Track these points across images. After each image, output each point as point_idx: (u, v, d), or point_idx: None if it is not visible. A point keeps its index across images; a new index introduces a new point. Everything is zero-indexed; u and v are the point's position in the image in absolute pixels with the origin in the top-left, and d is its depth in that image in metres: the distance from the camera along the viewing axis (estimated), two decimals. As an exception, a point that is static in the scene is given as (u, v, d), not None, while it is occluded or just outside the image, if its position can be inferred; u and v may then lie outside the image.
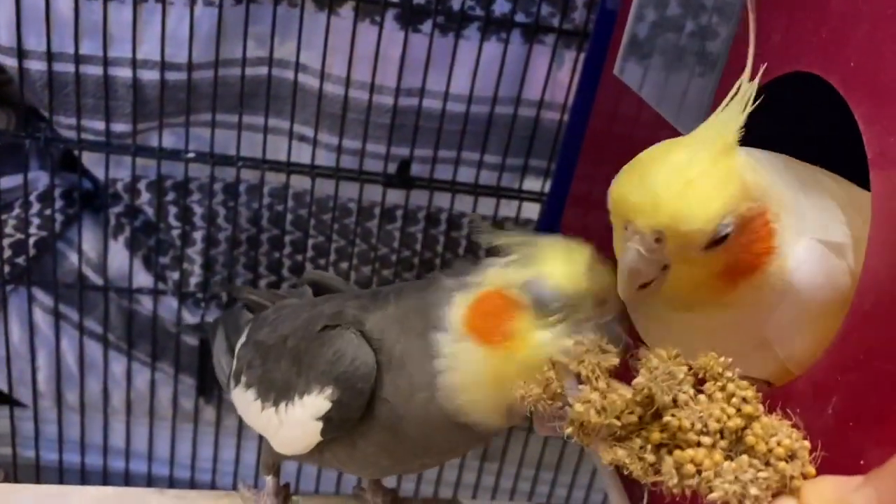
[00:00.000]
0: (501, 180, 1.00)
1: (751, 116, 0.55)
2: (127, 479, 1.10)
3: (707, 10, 0.64)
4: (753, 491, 0.31)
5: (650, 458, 0.34)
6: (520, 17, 0.92)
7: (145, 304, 1.03)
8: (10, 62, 0.87)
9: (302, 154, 0.97)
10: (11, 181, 0.96)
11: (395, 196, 1.00)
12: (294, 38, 0.90)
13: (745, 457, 0.33)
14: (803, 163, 0.47)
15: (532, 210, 1.02)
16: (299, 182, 0.98)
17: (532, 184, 1.02)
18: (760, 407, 0.34)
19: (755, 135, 0.49)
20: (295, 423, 0.53)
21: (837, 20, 0.44)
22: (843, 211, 0.44)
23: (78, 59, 0.87)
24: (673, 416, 0.34)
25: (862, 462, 0.35)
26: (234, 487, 0.94)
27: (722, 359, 0.36)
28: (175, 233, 1.00)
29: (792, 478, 0.32)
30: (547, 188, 1.00)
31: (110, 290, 1.00)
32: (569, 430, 0.37)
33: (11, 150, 0.95)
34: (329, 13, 0.89)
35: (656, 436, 0.34)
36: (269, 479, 0.61)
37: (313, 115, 0.94)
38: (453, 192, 1.00)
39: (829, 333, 0.42)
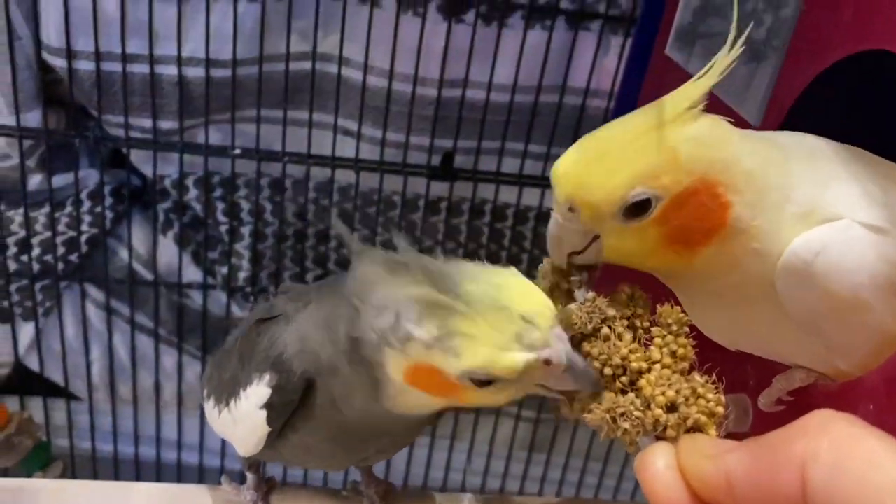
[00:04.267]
0: (546, 170, 0.99)
1: (818, 98, 0.53)
2: (179, 470, 1.12)
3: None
4: (625, 424, 0.36)
5: None
6: (565, 4, 0.90)
7: (195, 298, 1.05)
8: (60, 63, 0.89)
9: (346, 148, 0.96)
10: (63, 179, 0.97)
11: (439, 188, 0.99)
12: (337, 32, 0.90)
13: (631, 395, 0.37)
14: (853, 148, 0.45)
15: (578, 199, 1.01)
16: (344, 176, 0.98)
17: (578, 173, 1.00)
18: (684, 364, 0.38)
19: (822, 118, 0.47)
20: (244, 417, 0.53)
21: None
22: None
23: (125, 58, 0.88)
24: (589, 343, 0.38)
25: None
26: (284, 478, 0.96)
27: (680, 315, 0.38)
28: (223, 228, 1.01)
29: (667, 426, 0.35)
30: (593, 177, 0.98)
31: (160, 286, 1.02)
32: None
33: (62, 149, 0.96)
34: (371, 6, 0.88)
35: None
36: (249, 475, 0.61)
37: (357, 108, 0.94)
38: (498, 182, 0.99)
39: (890, 330, 0.40)
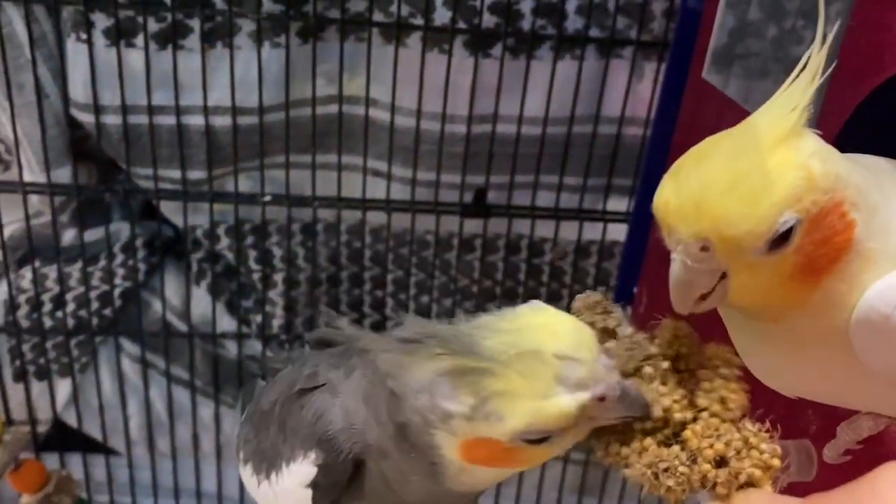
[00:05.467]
0: (584, 202, 0.96)
1: (871, 118, 0.49)
2: (220, 524, 1.10)
3: (791, 13, 0.59)
4: (668, 481, 0.32)
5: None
6: (595, 32, 0.88)
7: (230, 348, 1.03)
8: (88, 118, 0.89)
9: (377, 189, 0.95)
10: (95, 234, 0.97)
11: (472, 225, 0.97)
12: (363, 74, 0.89)
13: (676, 447, 0.33)
14: None
15: (618, 231, 0.97)
16: (376, 217, 0.97)
17: (617, 204, 0.97)
18: (734, 412, 0.34)
19: (875, 139, 0.43)
20: (285, 494, 0.49)
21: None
22: None
23: (151, 110, 0.88)
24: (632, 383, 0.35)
25: None
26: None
27: (729, 356, 0.35)
28: (256, 276, 1.00)
29: (716, 483, 0.32)
30: (633, 207, 0.95)
31: (195, 336, 1.00)
32: None
33: (93, 203, 0.96)
34: (397, 45, 0.87)
35: None
36: None
37: (386, 149, 0.92)
38: (533, 217, 0.96)
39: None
